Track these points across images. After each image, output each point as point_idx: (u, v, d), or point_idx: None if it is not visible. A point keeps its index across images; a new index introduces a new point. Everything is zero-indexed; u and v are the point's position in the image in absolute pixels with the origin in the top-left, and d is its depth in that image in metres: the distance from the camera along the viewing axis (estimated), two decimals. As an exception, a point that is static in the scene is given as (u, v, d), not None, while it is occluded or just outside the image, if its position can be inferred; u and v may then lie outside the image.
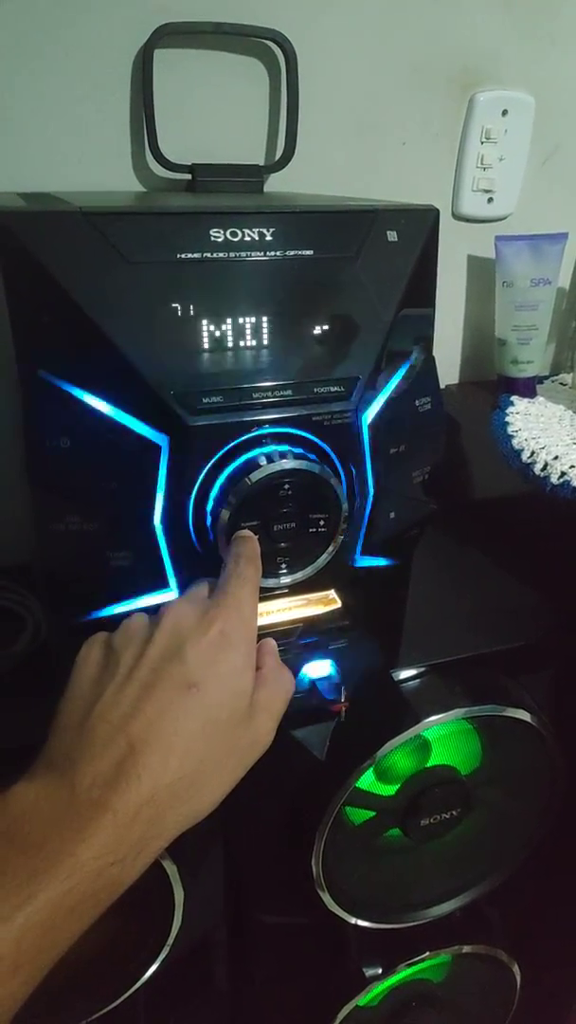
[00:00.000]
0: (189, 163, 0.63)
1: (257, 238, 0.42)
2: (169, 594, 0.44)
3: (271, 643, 0.43)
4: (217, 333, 0.41)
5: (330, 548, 0.46)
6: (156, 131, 0.62)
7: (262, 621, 0.45)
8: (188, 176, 0.63)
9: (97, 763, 0.34)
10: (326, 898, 0.61)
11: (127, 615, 0.43)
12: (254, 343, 0.42)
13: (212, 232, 0.41)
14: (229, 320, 0.41)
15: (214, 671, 0.37)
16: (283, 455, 0.41)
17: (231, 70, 0.65)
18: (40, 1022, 0.56)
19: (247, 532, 0.42)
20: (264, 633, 0.46)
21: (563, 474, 0.62)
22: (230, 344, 0.42)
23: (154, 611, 0.41)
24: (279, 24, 0.63)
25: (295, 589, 0.47)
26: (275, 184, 0.69)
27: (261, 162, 0.68)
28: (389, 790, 0.60)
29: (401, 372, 0.46)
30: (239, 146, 0.68)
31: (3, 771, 0.41)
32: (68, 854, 0.31)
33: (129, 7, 0.60)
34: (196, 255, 0.41)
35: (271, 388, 0.42)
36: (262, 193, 0.65)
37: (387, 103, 0.71)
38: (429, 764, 0.60)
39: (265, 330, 0.42)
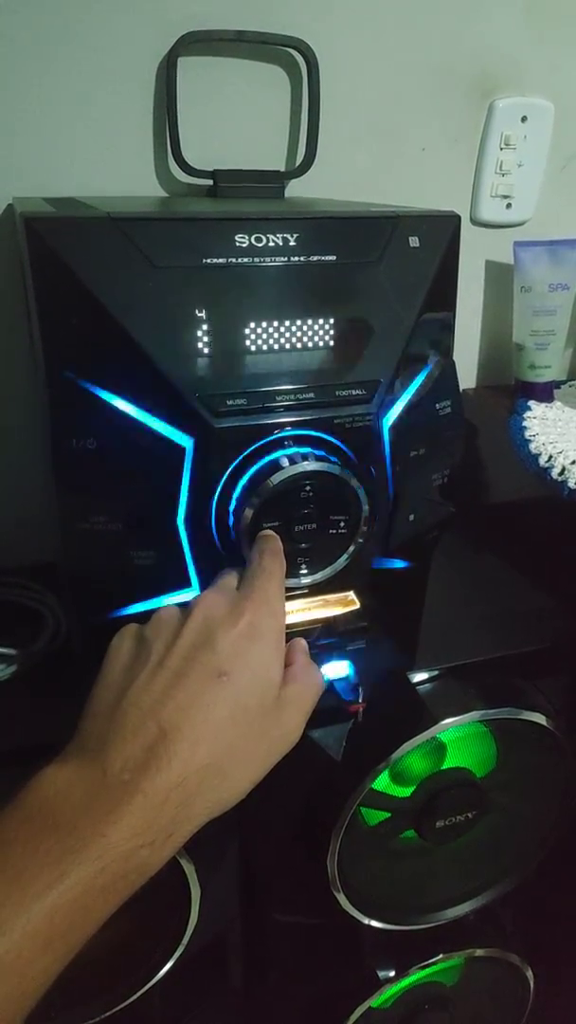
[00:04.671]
0: (211, 169, 0.64)
1: (281, 243, 0.43)
2: (191, 593, 0.45)
3: (302, 642, 0.44)
4: (241, 337, 0.42)
5: (350, 549, 0.46)
6: (179, 137, 0.63)
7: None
8: (210, 182, 0.64)
9: (128, 747, 0.34)
10: (341, 898, 0.61)
11: (149, 615, 0.43)
12: (277, 347, 0.43)
13: (237, 237, 0.42)
14: (253, 324, 0.42)
15: (244, 661, 0.38)
16: (305, 457, 0.42)
17: (253, 77, 0.66)
18: (57, 1018, 0.57)
19: (269, 531, 0.43)
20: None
21: (580, 479, 0.62)
22: (254, 348, 0.42)
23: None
24: (301, 32, 0.64)
25: (314, 590, 0.48)
26: (295, 190, 0.70)
27: (282, 168, 0.69)
28: (404, 791, 0.60)
29: (421, 376, 0.47)
30: (260, 152, 0.68)
31: (24, 768, 0.41)
32: (100, 835, 0.32)
33: (154, 15, 0.61)
34: (221, 260, 0.41)
35: (294, 391, 0.42)
36: (283, 199, 0.66)
37: (407, 109, 0.72)
38: (444, 766, 0.60)
39: (288, 334, 0.43)
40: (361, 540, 0.46)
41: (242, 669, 0.38)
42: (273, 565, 0.42)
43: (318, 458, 0.42)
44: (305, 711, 0.41)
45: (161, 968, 0.61)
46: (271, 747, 0.39)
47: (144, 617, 0.42)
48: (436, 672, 0.60)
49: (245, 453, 0.42)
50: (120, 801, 0.33)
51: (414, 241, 0.46)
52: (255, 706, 0.38)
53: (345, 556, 0.47)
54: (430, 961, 0.72)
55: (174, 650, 0.38)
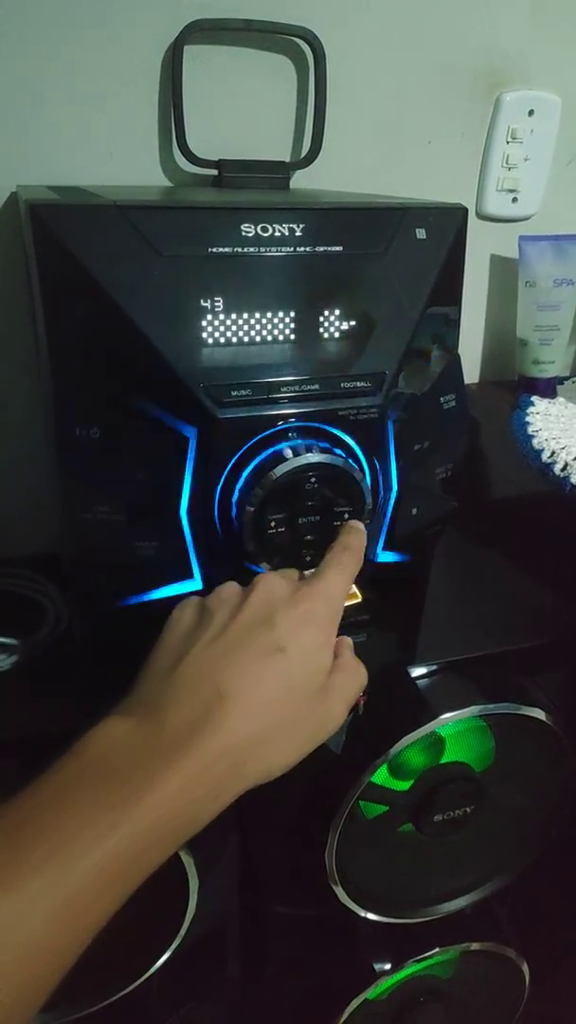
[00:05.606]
0: (216, 159, 0.63)
1: (287, 234, 0.42)
2: (194, 585, 0.45)
3: (348, 640, 0.45)
4: (246, 327, 0.42)
5: (353, 542, 0.46)
6: (184, 126, 0.62)
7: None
8: (215, 172, 0.64)
9: (185, 706, 0.36)
10: (339, 891, 0.62)
11: (150, 605, 0.43)
12: (282, 337, 0.43)
13: (243, 227, 0.41)
14: (258, 314, 0.42)
15: (299, 642, 0.39)
16: (309, 448, 0.42)
17: (259, 67, 0.65)
18: (55, 1007, 0.57)
19: (358, 523, 0.45)
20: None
21: (583, 474, 0.62)
22: (259, 338, 0.42)
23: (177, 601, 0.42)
24: (308, 22, 0.63)
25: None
26: (300, 181, 0.69)
27: (287, 159, 0.69)
28: (403, 785, 0.60)
29: (427, 369, 0.47)
30: (266, 142, 0.68)
31: (25, 757, 0.41)
32: (154, 787, 0.33)
33: (161, 3, 0.60)
34: (227, 249, 0.41)
35: (298, 382, 0.42)
36: (288, 190, 0.66)
37: (413, 102, 0.72)
38: (443, 761, 0.60)
39: (293, 325, 0.43)
40: (364, 533, 0.46)
41: (297, 649, 0.39)
42: (348, 560, 0.43)
43: (322, 450, 0.42)
44: (348, 701, 0.41)
45: (159, 958, 0.61)
46: (314, 729, 0.40)
47: (144, 608, 0.42)
48: (436, 667, 0.60)
49: (249, 444, 0.42)
50: (175, 756, 0.34)
51: (421, 233, 0.46)
52: (304, 687, 0.39)
53: (348, 549, 0.46)
54: (426, 954, 0.72)
55: (234, 622, 0.39)
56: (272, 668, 0.38)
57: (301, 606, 0.40)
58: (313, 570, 0.43)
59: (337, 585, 0.42)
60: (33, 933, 0.29)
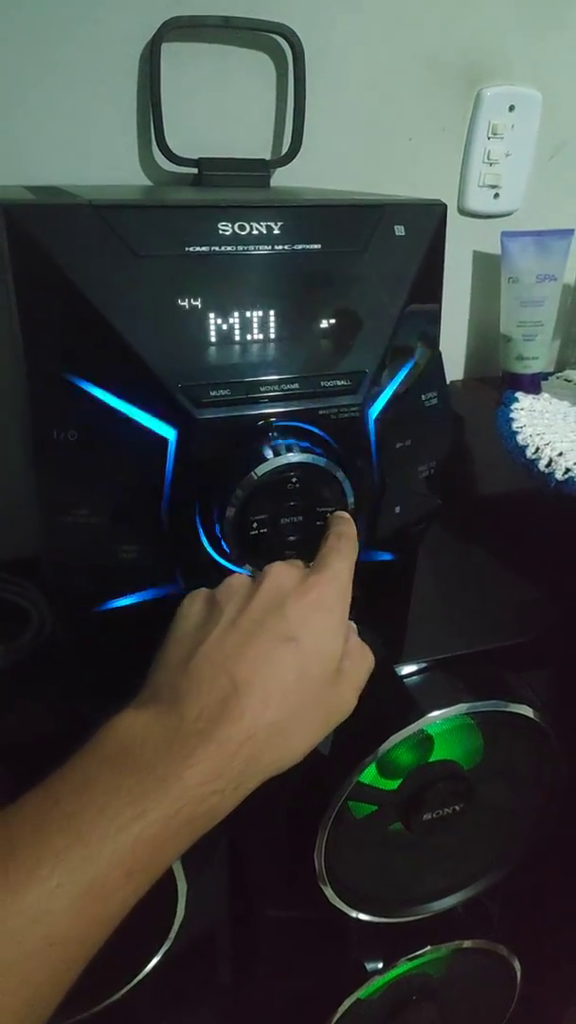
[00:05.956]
0: (196, 157, 0.63)
1: (265, 232, 0.42)
2: (176, 589, 0.44)
3: (352, 624, 0.45)
4: (224, 327, 0.41)
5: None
6: (163, 125, 0.62)
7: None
8: (194, 170, 0.63)
9: (203, 698, 0.36)
10: (328, 892, 0.61)
11: (132, 609, 0.43)
12: (261, 337, 0.42)
13: (220, 226, 0.41)
14: (236, 314, 0.41)
15: (311, 629, 0.39)
16: (290, 448, 0.42)
17: (238, 64, 0.65)
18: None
19: (344, 513, 0.45)
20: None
21: (567, 470, 0.62)
22: (237, 338, 0.42)
23: (162, 604, 0.41)
24: (287, 18, 0.63)
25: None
26: (281, 178, 0.69)
27: (267, 156, 0.68)
28: (391, 784, 0.60)
29: (408, 367, 0.46)
30: (246, 140, 0.67)
31: (8, 762, 0.41)
32: (177, 777, 0.33)
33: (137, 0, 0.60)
34: (204, 248, 0.41)
35: (278, 382, 0.42)
36: (268, 187, 0.65)
37: (394, 98, 0.71)
38: (431, 759, 0.60)
39: (272, 324, 0.42)
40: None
41: (309, 637, 0.39)
42: (347, 547, 0.43)
43: (303, 449, 0.42)
44: (359, 685, 0.42)
45: (148, 963, 0.60)
46: (328, 715, 0.40)
47: (126, 612, 0.41)
48: (423, 665, 0.60)
49: (229, 445, 0.41)
50: (196, 748, 0.34)
51: (400, 230, 0.46)
52: (318, 674, 0.39)
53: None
54: (418, 953, 0.72)
55: (245, 613, 0.39)
56: (286, 657, 0.38)
57: (311, 594, 0.40)
58: (313, 563, 0.43)
59: (343, 571, 0.42)
60: (57, 923, 0.29)
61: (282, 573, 0.41)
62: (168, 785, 0.33)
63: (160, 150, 0.63)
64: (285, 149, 0.67)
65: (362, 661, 0.43)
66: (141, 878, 0.32)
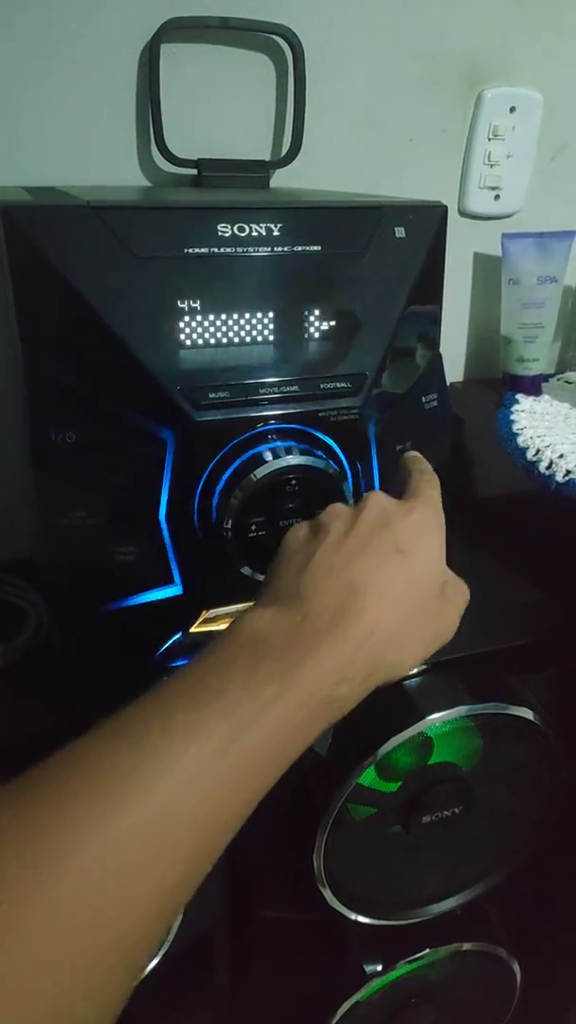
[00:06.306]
0: (195, 158, 0.63)
1: (264, 233, 0.42)
2: (175, 590, 0.44)
3: None
4: (224, 328, 0.41)
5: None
6: (162, 126, 0.62)
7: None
8: (194, 171, 0.63)
9: (324, 597, 0.37)
10: (327, 894, 0.61)
11: (130, 610, 0.43)
12: (261, 339, 0.42)
13: (219, 227, 0.41)
14: (236, 315, 0.41)
15: (418, 544, 0.40)
16: (289, 451, 0.41)
17: (238, 65, 0.65)
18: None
19: (416, 452, 0.46)
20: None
21: (568, 472, 0.62)
22: (236, 339, 0.42)
23: (160, 606, 0.41)
24: (287, 19, 0.63)
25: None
26: (281, 180, 0.69)
27: (267, 157, 0.68)
28: (391, 787, 0.60)
29: (408, 369, 0.46)
30: (245, 141, 0.67)
31: (6, 763, 0.41)
32: (311, 662, 0.34)
33: (137, 0, 0.59)
34: (203, 250, 0.41)
35: (278, 384, 0.42)
36: (268, 189, 0.65)
37: (394, 99, 0.71)
38: (431, 761, 0.60)
39: (272, 326, 0.42)
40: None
41: (416, 552, 0.40)
42: (434, 479, 0.44)
43: (302, 452, 0.42)
44: (460, 609, 0.42)
45: (147, 966, 0.60)
46: (435, 633, 0.41)
47: (124, 613, 0.41)
48: (422, 667, 0.60)
49: (228, 447, 0.41)
50: (324, 638, 0.35)
51: (400, 232, 0.46)
52: (426, 588, 0.40)
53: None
54: (417, 955, 0.72)
55: (354, 530, 0.40)
56: (396, 568, 0.39)
57: (414, 514, 0.41)
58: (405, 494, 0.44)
59: (437, 498, 0.43)
60: (220, 783, 0.30)
61: (383, 498, 0.42)
62: (304, 668, 0.34)
63: (159, 151, 0.63)
64: (285, 150, 0.67)
65: (462, 588, 0.43)
66: (284, 753, 0.33)
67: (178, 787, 0.29)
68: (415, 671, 0.60)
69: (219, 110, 0.66)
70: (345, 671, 0.35)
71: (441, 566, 0.41)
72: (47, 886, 0.26)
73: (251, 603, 0.38)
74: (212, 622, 0.47)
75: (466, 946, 0.74)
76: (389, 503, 0.42)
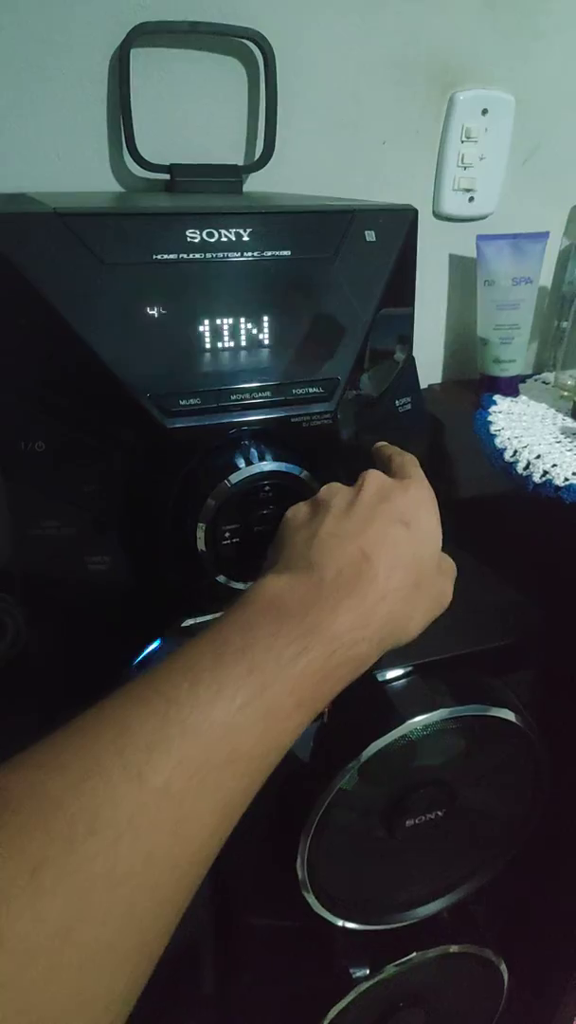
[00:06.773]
0: (167, 163, 0.62)
1: (234, 239, 0.42)
2: (149, 598, 0.44)
3: None
4: (194, 335, 0.41)
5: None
6: (134, 131, 0.61)
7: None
8: (166, 176, 0.63)
9: (337, 562, 0.38)
10: (312, 900, 0.61)
11: (105, 619, 0.42)
12: (232, 344, 0.42)
13: (188, 233, 0.41)
14: (206, 321, 0.41)
15: (419, 516, 0.42)
16: (262, 457, 0.41)
17: (209, 69, 0.65)
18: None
19: (383, 442, 0.48)
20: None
21: (545, 472, 0.62)
22: (207, 346, 0.41)
23: (134, 615, 0.41)
24: (257, 23, 0.63)
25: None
26: (255, 184, 0.69)
27: (240, 162, 0.68)
28: (374, 791, 0.60)
29: (381, 372, 0.46)
30: (218, 146, 0.67)
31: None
32: (328, 622, 0.36)
33: (105, 5, 0.59)
34: (172, 256, 0.40)
35: (249, 390, 0.42)
36: (241, 193, 0.65)
37: (367, 102, 0.71)
38: (414, 765, 0.60)
39: (243, 331, 0.42)
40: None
41: (417, 523, 0.41)
42: (415, 458, 0.46)
43: (276, 458, 0.42)
44: (452, 582, 0.45)
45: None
46: (434, 602, 0.43)
47: (100, 622, 0.41)
48: (404, 670, 0.60)
49: (200, 454, 0.41)
50: (340, 600, 0.37)
51: (371, 235, 0.45)
52: (428, 557, 0.42)
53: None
54: (405, 959, 0.71)
55: (357, 502, 0.41)
56: (400, 537, 0.40)
57: (411, 490, 0.43)
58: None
59: (423, 477, 0.45)
60: (242, 740, 0.31)
61: (380, 476, 0.43)
62: (322, 628, 0.35)
63: (131, 156, 0.62)
64: (258, 154, 0.67)
65: (452, 563, 0.45)
66: (307, 709, 0.34)
67: (212, 736, 0.31)
68: (397, 673, 0.60)
69: (191, 115, 0.65)
70: (362, 631, 0.37)
71: (439, 537, 0.43)
72: (80, 844, 0.27)
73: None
74: (189, 631, 0.47)
75: (453, 948, 0.74)
76: (387, 480, 0.43)
